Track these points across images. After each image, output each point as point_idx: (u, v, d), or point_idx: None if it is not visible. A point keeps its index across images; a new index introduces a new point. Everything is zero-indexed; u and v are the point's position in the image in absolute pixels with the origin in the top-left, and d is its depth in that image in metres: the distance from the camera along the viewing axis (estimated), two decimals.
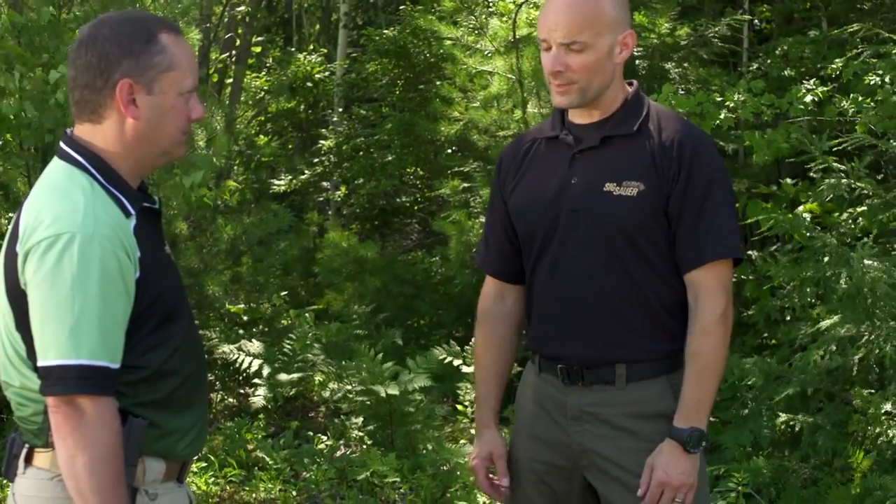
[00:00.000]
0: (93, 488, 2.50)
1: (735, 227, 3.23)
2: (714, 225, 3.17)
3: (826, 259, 6.31)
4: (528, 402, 3.39)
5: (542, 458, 3.32)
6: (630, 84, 3.31)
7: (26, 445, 2.69)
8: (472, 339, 7.62)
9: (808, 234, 6.44)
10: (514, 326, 3.47)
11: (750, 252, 7.34)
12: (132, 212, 2.68)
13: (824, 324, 6.16)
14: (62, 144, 2.72)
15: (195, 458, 6.76)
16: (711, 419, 6.93)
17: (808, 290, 6.33)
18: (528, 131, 3.53)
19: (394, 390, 7.03)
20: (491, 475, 3.45)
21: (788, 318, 6.95)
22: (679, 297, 3.22)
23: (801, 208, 6.85)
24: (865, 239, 6.31)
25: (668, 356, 3.24)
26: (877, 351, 5.83)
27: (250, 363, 7.78)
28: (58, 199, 2.61)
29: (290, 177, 11.59)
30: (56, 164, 2.72)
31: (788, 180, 7.40)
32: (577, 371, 3.23)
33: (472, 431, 7.21)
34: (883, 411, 6.08)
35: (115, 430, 2.53)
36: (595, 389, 3.22)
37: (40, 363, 2.53)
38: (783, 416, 6.35)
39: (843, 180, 6.42)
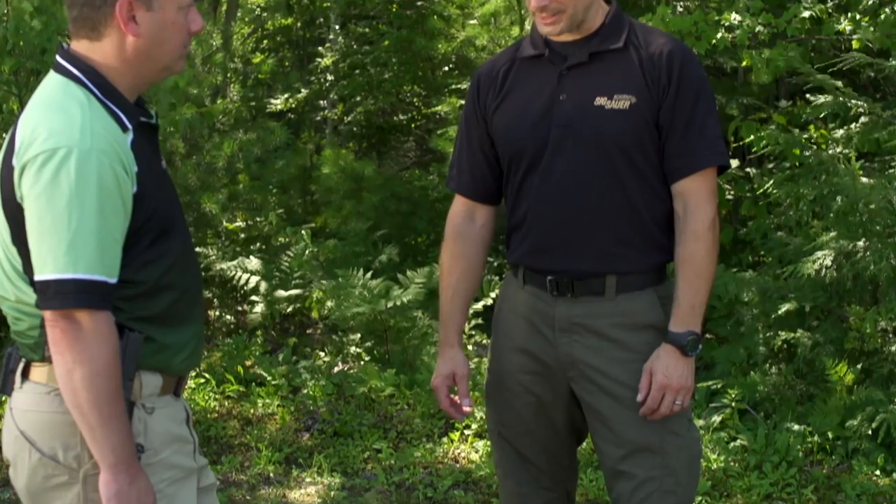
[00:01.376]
0: (90, 402, 2.52)
1: (721, 135, 3.29)
2: (704, 134, 3.22)
3: (823, 177, 6.32)
4: (510, 315, 3.40)
5: (528, 369, 3.34)
6: (607, 1, 3.32)
7: (23, 360, 2.71)
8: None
9: (803, 152, 6.44)
10: (482, 247, 3.49)
11: (748, 170, 7.34)
12: (129, 126, 2.67)
13: (820, 241, 6.19)
14: (59, 58, 2.71)
15: (192, 373, 6.82)
16: (707, 336, 7.00)
17: (804, 207, 6.34)
18: (502, 51, 3.52)
19: (386, 306, 7.06)
20: (452, 395, 3.50)
21: (784, 234, 6.97)
22: (666, 209, 3.27)
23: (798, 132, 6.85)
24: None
25: (656, 268, 3.30)
26: (871, 267, 5.86)
27: (248, 280, 7.80)
28: (54, 112, 2.60)
29: (286, 95, 11.53)
30: (52, 77, 2.71)
31: (784, 102, 7.39)
32: (566, 283, 3.25)
33: (470, 347, 7.26)
34: (878, 328, 6.12)
35: (112, 343, 2.55)
36: (584, 301, 3.25)
37: (37, 277, 2.54)
38: (782, 335, 6.40)
39: (840, 98, 6.42)
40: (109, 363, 2.54)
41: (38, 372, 2.68)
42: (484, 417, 6.31)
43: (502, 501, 3.61)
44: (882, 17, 6.51)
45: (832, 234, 6.08)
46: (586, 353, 3.25)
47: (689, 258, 3.21)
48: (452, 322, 3.49)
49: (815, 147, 6.63)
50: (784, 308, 6.33)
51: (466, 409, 3.43)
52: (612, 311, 3.25)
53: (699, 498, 5.38)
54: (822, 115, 6.58)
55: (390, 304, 7.08)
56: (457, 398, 3.48)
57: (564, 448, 3.47)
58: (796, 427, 6.01)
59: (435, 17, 9.83)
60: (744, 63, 6.94)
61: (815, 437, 5.96)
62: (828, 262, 6.02)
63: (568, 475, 3.54)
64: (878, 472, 5.66)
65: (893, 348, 6.15)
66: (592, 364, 3.25)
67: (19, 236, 2.59)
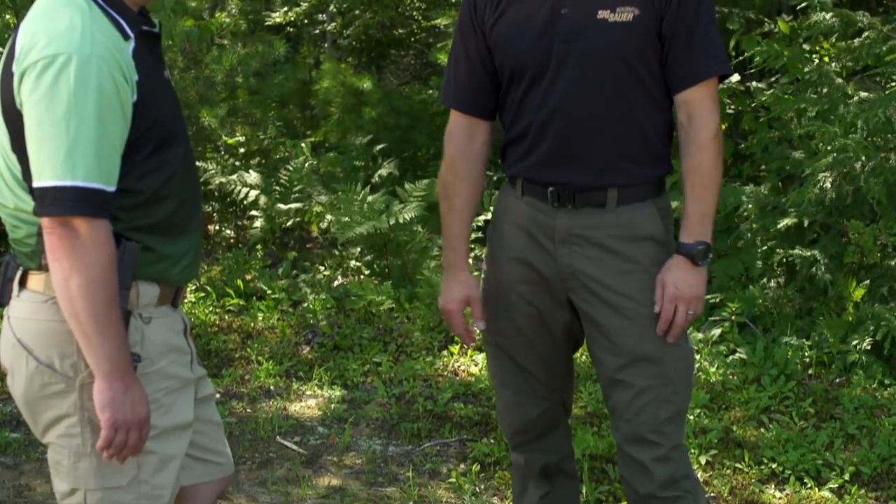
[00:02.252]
0: (87, 310, 2.52)
1: (722, 44, 3.27)
2: (707, 43, 3.20)
3: (824, 90, 6.29)
4: (508, 226, 3.38)
5: (527, 280, 3.33)
6: None
7: (20, 268, 2.71)
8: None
9: (804, 67, 6.40)
10: (483, 165, 3.47)
11: (748, 84, 7.30)
12: (131, 35, 2.64)
13: (820, 155, 6.17)
14: None
15: (192, 286, 6.83)
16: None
17: (805, 121, 6.32)
18: None
19: (386, 222, 7.06)
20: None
21: (784, 149, 6.95)
22: (666, 120, 3.27)
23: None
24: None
25: (656, 181, 3.29)
26: (871, 182, 5.85)
27: (247, 194, 7.79)
28: (54, 19, 2.57)
29: (285, 8, 11.43)
30: None
31: (785, 17, 7.32)
32: (568, 194, 3.23)
33: (470, 261, 7.24)
34: (878, 243, 6.12)
35: (109, 252, 2.54)
36: (585, 212, 3.23)
37: (35, 184, 2.52)
38: (781, 252, 6.40)
39: (841, 12, 6.37)
40: (106, 271, 2.53)
41: (35, 280, 2.68)
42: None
43: (499, 412, 3.61)
44: None
45: (831, 150, 6.05)
46: (586, 264, 3.24)
47: (695, 168, 3.20)
48: (461, 244, 3.47)
49: (816, 62, 6.59)
50: (784, 223, 6.33)
51: (480, 328, 3.42)
52: (612, 222, 3.23)
53: (698, 410, 5.40)
54: (823, 32, 6.52)
55: (392, 221, 7.07)
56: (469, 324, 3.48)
57: (561, 357, 3.48)
58: (795, 341, 6.03)
59: None
60: None
61: (814, 351, 5.98)
62: (828, 184, 6.00)
63: (564, 384, 3.55)
64: (876, 386, 5.68)
65: (894, 263, 6.15)
66: (592, 275, 3.24)
67: (18, 143, 2.58)
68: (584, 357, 6.08)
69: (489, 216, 6.99)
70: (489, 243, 3.48)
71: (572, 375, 3.60)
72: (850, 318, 6.03)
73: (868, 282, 6.23)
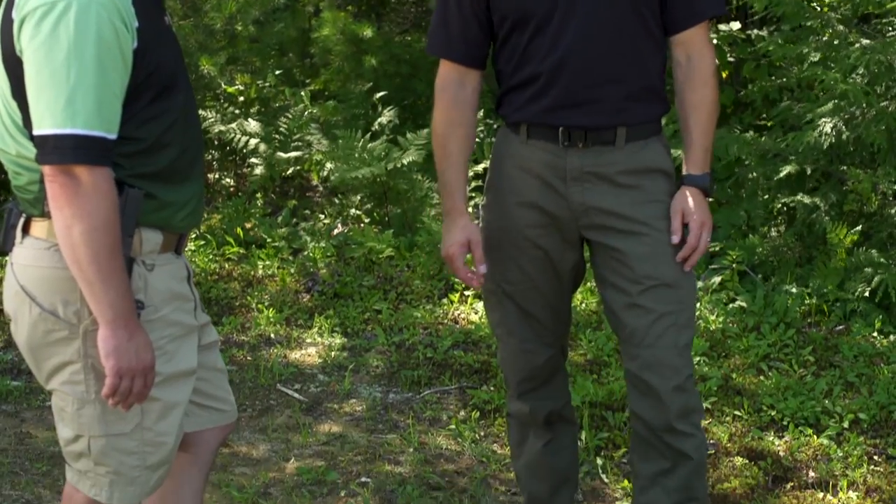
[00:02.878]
0: (89, 257, 2.52)
1: None
2: None
3: (825, 38, 6.26)
4: (512, 171, 3.38)
5: (536, 223, 3.34)
6: None
7: (23, 215, 2.71)
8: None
9: (804, 14, 6.37)
10: (475, 112, 3.47)
11: (749, 32, 7.27)
12: None
13: (821, 101, 6.15)
14: None
15: (193, 234, 6.82)
16: (707, 199, 6.99)
17: (805, 68, 6.29)
18: None
19: (385, 169, 7.05)
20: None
21: (786, 98, 6.93)
22: (664, 60, 3.35)
23: None
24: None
25: (658, 118, 3.38)
26: (872, 129, 5.84)
27: (247, 142, 7.77)
28: None
29: None
30: None
31: None
32: (578, 134, 3.26)
33: (470, 209, 7.23)
34: (878, 191, 6.12)
35: (111, 199, 2.54)
36: (595, 150, 3.27)
37: (36, 132, 2.52)
38: (782, 199, 6.39)
39: None
40: (108, 219, 2.53)
41: (38, 227, 2.68)
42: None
43: (503, 361, 3.61)
44: None
45: (832, 97, 6.04)
46: (600, 199, 3.28)
47: (700, 103, 3.31)
48: (458, 189, 3.46)
49: (817, 9, 6.56)
50: (784, 171, 6.32)
51: (482, 271, 3.42)
52: (623, 158, 3.28)
53: (697, 358, 5.42)
54: None
55: (391, 167, 7.06)
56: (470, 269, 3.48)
57: (564, 300, 3.51)
58: (794, 289, 6.04)
59: None
60: None
61: (814, 299, 5.99)
62: (828, 128, 5.99)
63: (564, 330, 3.59)
64: (875, 334, 5.70)
65: (893, 211, 6.15)
66: (607, 208, 3.28)
67: (19, 90, 2.57)
68: (583, 304, 6.09)
69: (486, 165, 7.03)
70: (490, 192, 3.48)
71: (570, 320, 3.64)
72: (843, 265, 6.03)
73: (860, 228, 6.23)
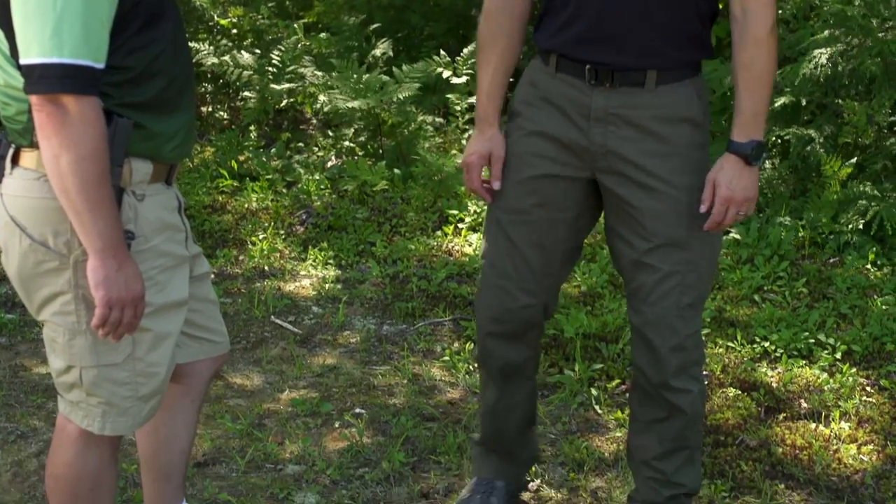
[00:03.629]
0: (77, 187, 2.50)
1: None
2: None
3: None
4: (535, 100, 3.28)
5: (547, 155, 3.25)
6: None
7: (12, 146, 2.69)
8: (467, 48, 7.59)
9: None
10: (521, 23, 3.35)
11: None
12: None
13: (816, 30, 6.12)
14: None
15: (186, 167, 6.80)
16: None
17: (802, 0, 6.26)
18: None
19: (379, 101, 7.02)
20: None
21: (781, 29, 6.89)
22: (712, 8, 3.17)
23: None
24: None
25: (695, 62, 3.21)
26: (867, 61, 5.81)
27: (240, 75, 7.72)
28: None
29: None
30: None
31: None
32: (606, 73, 3.15)
33: (464, 142, 7.23)
34: (873, 123, 6.10)
35: (99, 129, 2.51)
36: (623, 91, 3.15)
37: (22, 61, 2.49)
38: (777, 131, 6.37)
39: None
40: (96, 148, 2.51)
41: (27, 157, 2.66)
42: (478, 210, 6.34)
43: (478, 299, 3.51)
44: None
45: (828, 29, 6.01)
46: (621, 145, 3.17)
47: (749, 64, 3.10)
48: (494, 100, 3.36)
49: None
50: (779, 102, 6.30)
51: (496, 187, 3.31)
52: (651, 102, 3.15)
53: None
54: None
55: (384, 98, 7.03)
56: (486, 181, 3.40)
57: (558, 248, 3.37)
58: (788, 221, 6.04)
59: None
60: None
61: (808, 231, 5.99)
62: (823, 60, 5.96)
63: (550, 282, 3.43)
64: (869, 266, 5.71)
65: (888, 143, 6.14)
66: (626, 156, 3.17)
67: (5, 18, 2.54)
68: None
69: None
70: (511, 117, 3.38)
71: (561, 283, 3.50)
72: (837, 197, 6.03)
73: (855, 160, 6.22)
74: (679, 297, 3.23)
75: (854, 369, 4.71)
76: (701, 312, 3.34)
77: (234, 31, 8.81)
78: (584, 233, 3.40)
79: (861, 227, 5.84)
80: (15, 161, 2.68)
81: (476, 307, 3.53)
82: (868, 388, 4.61)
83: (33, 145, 2.61)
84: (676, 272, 3.21)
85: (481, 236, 6.04)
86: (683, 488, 3.47)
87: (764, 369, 4.74)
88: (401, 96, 7.07)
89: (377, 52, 8.04)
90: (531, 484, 3.93)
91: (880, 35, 5.86)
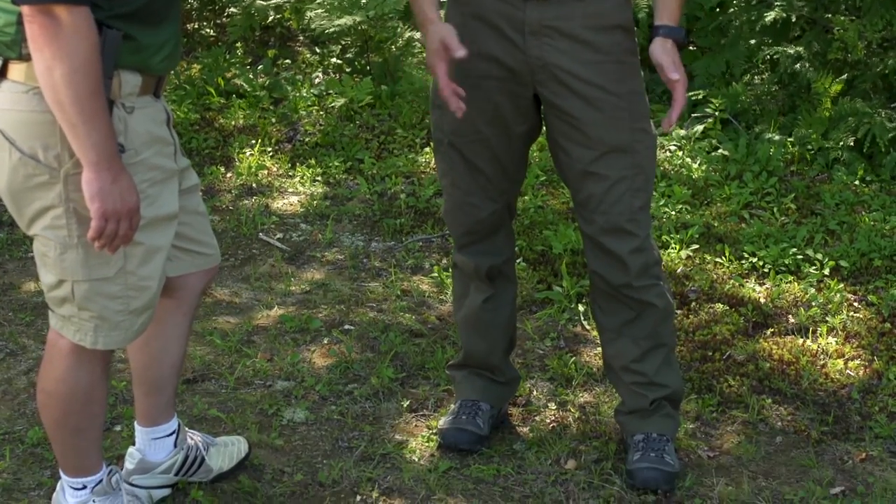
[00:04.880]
0: (71, 98, 2.49)
1: None
2: None
3: None
4: (472, 20, 3.26)
5: (491, 75, 3.26)
6: None
7: (1, 59, 2.66)
8: None
9: None
10: None
11: None
12: None
13: None
14: None
15: (172, 84, 6.74)
16: (690, 48, 6.93)
17: None
18: None
19: (366, 17, 6.96)
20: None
21: None
22: None
23: None
24: None
25: None
26: None
27: None
28: None
29: None
30: None
31: None
32: None
33: None
34: (863, 40, 6.07)
35: (91, 40, 2.49)
36: (555, 3, 3.18)
37: None
38: (766, 48, 6.35)
39: None
40: (89, 59, 2.49)
41: (16, 70, 2.63)
42: None
43: (447, 213, 3.59)
44: None
45: None
46: (557, 56, 3.20)
47: None
48: (428, 2, 3.25)
49: None
50: (769, 16, 6.26)
51: (460, 55, 3.14)
52: (583, 12, 3.19)
53: (679, 206, 5.43)
54: None
55: (372, 14, 6.97)
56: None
57: (513, 157, 3.44)
58: (777, 137, 6.03)
59: None
60: None
61: (796, 148, 5.98)
62: None
63: (513, 187, 3.54)
64: (857, 182, 5.71)
65: (877, 60, 6.12)
66: (564, 66, 3.21)
67: None
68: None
69: None
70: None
71: (522, 178, 3.59)
72: (828, 114, 6.02)
73: (845, 77, 6.20)
74: (630, 201, 3.30)
75: (841, 285, 4.73)
76: (649, 212, 3.41)
77: None
78: (535, 135, 3.47)
79: (851, 143, 5.84)
80: (3, 74, 2.66)
81: (448, 225, 3.66)
82: (855, 304, 4.63)
83: (22, 57, 2.59)
84: (625, 177, 3.28)
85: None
86: (667, 389, 3.52)
87: (752, 285, 4.75)
88: (386, 11, 7.02)
89: None
90: (519, 399, 3.95)
91: None
